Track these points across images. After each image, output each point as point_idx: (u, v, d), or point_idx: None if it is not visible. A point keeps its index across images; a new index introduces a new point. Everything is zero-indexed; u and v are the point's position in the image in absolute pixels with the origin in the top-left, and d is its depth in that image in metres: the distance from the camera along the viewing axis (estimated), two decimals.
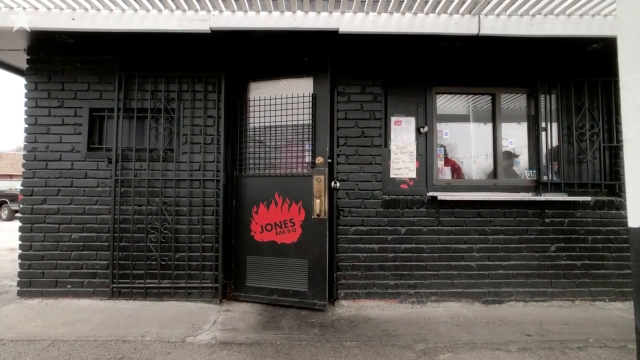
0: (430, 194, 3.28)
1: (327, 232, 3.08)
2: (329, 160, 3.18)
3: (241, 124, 3.40)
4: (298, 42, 3.20)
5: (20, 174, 3.43)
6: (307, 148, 3.24)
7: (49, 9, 2.81)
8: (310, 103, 3.23)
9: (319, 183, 3.05)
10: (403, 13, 2.85)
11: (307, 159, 3.22)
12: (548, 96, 3.45)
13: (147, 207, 3.23)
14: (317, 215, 3.03)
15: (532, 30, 2.88)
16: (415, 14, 2.86)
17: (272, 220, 3.24)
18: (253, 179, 3.33)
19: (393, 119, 3.39)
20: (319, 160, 3.10)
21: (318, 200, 3.03)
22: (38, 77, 3.32)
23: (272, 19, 2.84)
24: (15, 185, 13.42)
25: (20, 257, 3.23)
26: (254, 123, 3.39)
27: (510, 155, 3.57)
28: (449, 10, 2.81)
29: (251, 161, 3.38)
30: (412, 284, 3.23)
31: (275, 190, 3.25)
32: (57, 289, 3.19)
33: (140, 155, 3.28)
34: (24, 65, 3.38)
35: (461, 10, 2.80)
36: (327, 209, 3.05)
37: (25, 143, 3.30)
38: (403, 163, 3.35)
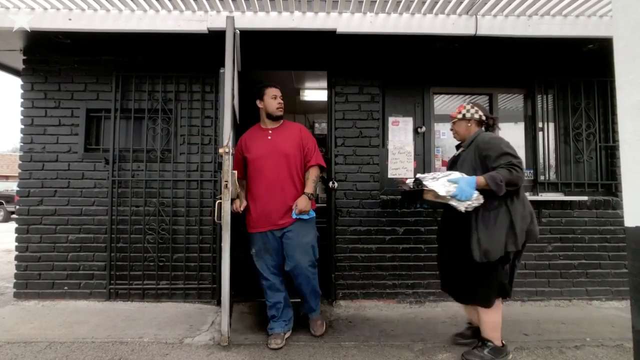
0: None
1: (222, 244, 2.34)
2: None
3: None
4: (293, 42, 3.20)
5: (17, 174, 3.41)
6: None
7: (45, 9, 2.80)
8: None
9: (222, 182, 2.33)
10: (401, 13, 2.85)
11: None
12: (545, 96, 3.46)
13: (145, 208, 3.21)
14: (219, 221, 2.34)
15: (529, 31, 2.89)
16: (412, 14, 2.87)
17: None
18: None
19: (391, 119, 3.40)
20: (221, 151, 2.31)
21: (217, 202, 2.35)
22: (34, 78, 3.30)
23: (269, 20, 2.84)
24: (12, 187, 13.35)
25: (17, 258, 3.21)
26: None
27: None
28: (447, 11, 2.82)
29: None
30: (410, 284, 3.24)
31: None
32: (53, 291, 3.18)
33: (138, 156, 3.27)
34: (20, 66, 3.37)
35: (458, 10, 2.81)
36: (224, 214, 2.29)
37: (22, 144, 3.28)
38: (401, 163, 3.36)
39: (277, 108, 2.56)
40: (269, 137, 2.55)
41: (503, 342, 2.16)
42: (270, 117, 2.57)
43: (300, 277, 2.46)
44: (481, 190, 1.97)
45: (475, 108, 2.26)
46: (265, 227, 2.48)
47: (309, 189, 2.50)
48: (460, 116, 2.28)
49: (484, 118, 2.26)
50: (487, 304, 2.09)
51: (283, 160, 2.49)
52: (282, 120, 2.63)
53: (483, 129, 2.28)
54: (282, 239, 2.48)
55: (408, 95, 3.43)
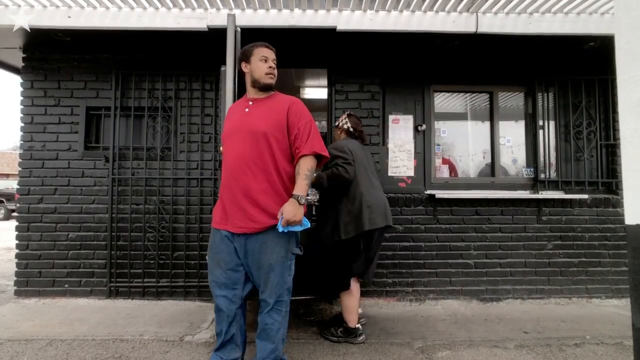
0: (428, 192, 3.28)
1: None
2: None
3: None
4: (293, 39, 3.19)
5: (17, 173, 3.41)
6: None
7: (44, 7, 2.79)
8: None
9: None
10: (401, 11, 2.84)
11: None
12: (545, 94, 3.45)
13: (145, 206, 3.21)
14: None
15: (530, 29, 2.88)
16: (413, 12, 2.86)
17: None
18: None
19: (391, 117, 3.39)
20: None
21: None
22: (34, 76, 3.29)
23: (269, 17, 2.84)
24: (12, 184, 13.36)
25: (17, 256, 3.21)
26: None
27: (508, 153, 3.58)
28: (447, 8, 2.81)
29: None
30: (410, 282, 3.24)
31: None
32: (54, 289, 3.18)
33: (138, 154, 3.26)
34: (19, 64, 3.36)
35: (459, 8, 2.80)
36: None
37: (22, 142, 3.28)
38: (401, 161, 3.35)
39: (267, 73, 1.85)
40: (247, 110, 1.87)
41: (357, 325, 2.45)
42: (257, 84, 1.87)
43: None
44: (317, 187, 2.36)
45: (347, 119, 2.60)
46: (222, 225, 1.84)
47: (299, 189, 1.71)
48: (337, 124, 2.66)
49: (351, 129, 2.58)
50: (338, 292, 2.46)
51: (252, 142, 1.76)
52: (272, 92, 1.93)
53: (351, 138, 2.58)
54: (243, 251, 1.80)
55: (408, 93, 3.42)
